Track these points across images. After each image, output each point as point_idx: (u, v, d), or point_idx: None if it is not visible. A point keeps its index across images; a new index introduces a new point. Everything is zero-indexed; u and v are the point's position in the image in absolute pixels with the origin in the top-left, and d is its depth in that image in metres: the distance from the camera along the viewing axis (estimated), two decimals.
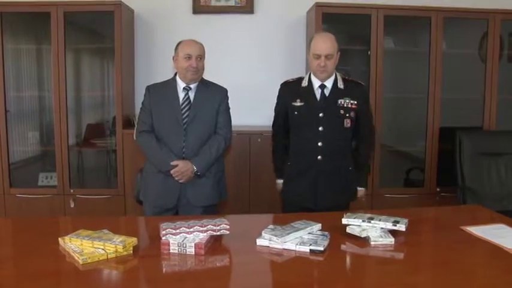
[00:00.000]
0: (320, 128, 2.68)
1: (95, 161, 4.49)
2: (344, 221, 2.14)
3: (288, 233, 2.00)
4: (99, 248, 1.88)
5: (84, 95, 4.31)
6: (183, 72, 2.80)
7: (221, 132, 2.85)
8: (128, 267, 1.82)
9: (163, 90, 2.87)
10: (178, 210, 2.83)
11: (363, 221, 2.11)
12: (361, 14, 3.87)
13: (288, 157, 2.84)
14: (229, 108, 2.93)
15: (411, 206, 3.81)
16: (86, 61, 4.40)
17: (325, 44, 2.63)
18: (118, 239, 1.92)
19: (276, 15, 4.22)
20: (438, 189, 4.02)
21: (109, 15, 3.78)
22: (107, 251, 1.86)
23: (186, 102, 2.81)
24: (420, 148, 4.10)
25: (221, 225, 2.03)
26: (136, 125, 2.94)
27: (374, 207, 3.87)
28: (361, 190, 2.85)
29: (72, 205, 3.92)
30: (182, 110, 2.79)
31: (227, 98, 2.92)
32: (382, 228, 2.09)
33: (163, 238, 1.96)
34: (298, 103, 2.72)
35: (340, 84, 2.73)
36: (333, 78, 2.73)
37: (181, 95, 2.83)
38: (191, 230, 1.99)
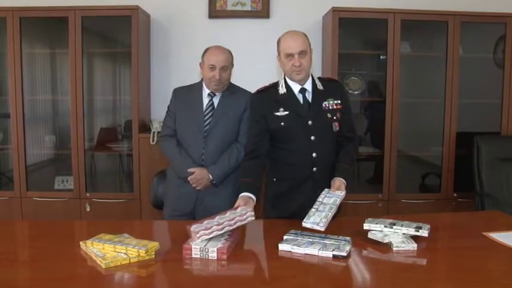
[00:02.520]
0: (312, 138, 2.45)
1: (110, 165, 4.52)
2: (365, 226, 2.13)
3: (312, 239, 2.02)
4: (121, 253, 1.89)
5: (97, 99, 4.33)
6: (207, 81, 2.76)
7: (242, 141, 2.78)
8: (151, 271, 1.83)
9: (189, 94, 2.84)
10: (195, 216, 2.80)
11: (385, 226, 2.10)
12: (377, 19, 3.86)
13: (270, 174, 2.59)
14: None
15: (428, 211, 3.79)
16: (100, 65, 4.44)
17: (296, 41, 2.41)
18: (140, 243, 1.93)
19: (292, 20, 4.22)
20: (455, 195, 3.99)
21: (126, 19, 3.81)
22: (130, 255, 1.87)
23: (210, 109, 2.78)
24: (437, 153, 4.07)
25: (246, 214, 2.10)
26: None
27: (390, 213, 3.86)
28: (342, 184, 2.40)
29: (88, 209, 3.94)
30: (205, 116, 2.77)
31: None
32: (404, 233, 2.08)
33: (197, 240, 1.96)
34: (281, 112, 2.46)
35: (319, 85, 2.52)
36: (310, 80, 2.52)
37: (206, 100, 2.80)
38: (221, 226, 2.02)
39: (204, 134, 2.75)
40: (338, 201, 2.24)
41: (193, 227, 2.00)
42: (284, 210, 2.48)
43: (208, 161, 2.75)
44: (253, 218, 2.13)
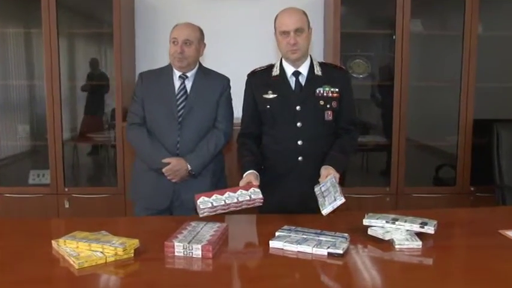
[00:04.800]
0: (298, 124, 2.53)
1: (92, 157, 4.54)
2: (365, 221, 2.15)
3: (307, 235, 2.04)
4: (97, 251, 1.90)
5: (79, 85, 4.34)
6: (171, 59, 2.79)
7: (221, 127, 2.83)
8: (129, 271, 1.84)
9: (158, 78, 2.85)
10: (172, 211, 2.83)
11: (387, 222, 2.11)
12: None
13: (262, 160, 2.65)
14: (231, 100, 2.91)
15: (441, 207, 3.81)
16: (81, 47, 4.44)
17: (292, 17, 2.47)
18: (118, 241, 1.94)
19: None
20: (472, 189, 4.01)
21: None
22: (106, 254, 1.88)
23: (182, 93, 2.80)
24: (451, 143, 4.08)
25: (255, 200, 2.23)
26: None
27: (399, 208, 3.87)
28: (329, 169, 2.42)
29: (66, 205, 3.96)
30: (177, 101, 2.78)
31: (229, 87, 2.89)
32: (408, 230, 2.09)
33: (200, 216, 2.14)
34: (269, 95, 2.56)
35: (318, 70, 2.57)
36: (308, 63, 2.58)
37: (177, 84, 2.81)
38: (227, 207, 2.17)
39: (178, 120, 2.76)
40: (335, 181, 2.29)
41: (200, 200, 2.16)
42: (270, 201, 2.50)
43: (184, 150, 2.76)
44: (261, 204, 2.25)
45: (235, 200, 2.23)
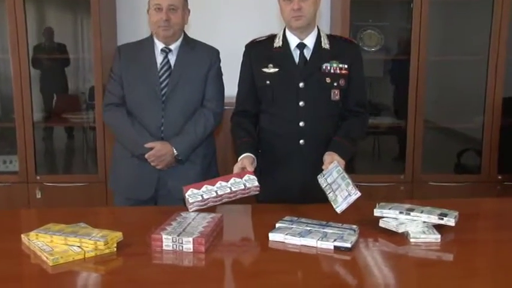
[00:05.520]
0: (301, 103, 2.53)
1: (68, 141, 4.54)
2: (376, 212, 2.17)
3: (311, 227, 2.07)
4: (74, 246, 1.90)
5: (52, 59, 4.34)
6: (154, 27, 2.78)
7: (210, 106, 2.83)
8: (111, 268, 1.85)
9: (137, 52, 2.85)
10: (157, 201, 2.85)
11: (401, 212, 2.13)
12: None
13: (258, 142, 2.66)
14: (221, 75, 2.91)
15: (464, 197, 3.83)
16: (54, 15, 4.42)
17: None
18: (98, 234, 1.95)
19: None
20: (500, 177, 4.04)
21: None
22: (84, 248, 1.89)
23: (165, 68, 2.80)
24: (476, 125, 4.10)
25: (251, 188, 2.25)
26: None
27: (414, 198, 3.90)
28: (333, 155, 2.44)
29: (38, 195, 3.98)
30: (160, 77, 2.78)
31: (219, 61, 2.89)
32: (425, 222, 2.11)
33: (190, 210, 2.16)
34: (270, 69, 2.56)
35: (325, 43, 2.58)
36: (314, 34, 2.58)
37: (159, 58, 2.81)
38: (219, 198, 2.20)
39: (161, 99, 2.77)
40: (342, 170, 2.30)
41: (189, 193, 2.16)
42: (270, 189, 2.54)
43: (169, 133, 2.77)
44: (258, 193, 2.28)
45: (228, 190, 2.25)
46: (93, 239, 1.90)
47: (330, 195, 2.24)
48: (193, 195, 2.23)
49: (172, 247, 1.94)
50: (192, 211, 2.22)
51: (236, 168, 2.41)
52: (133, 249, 1.96)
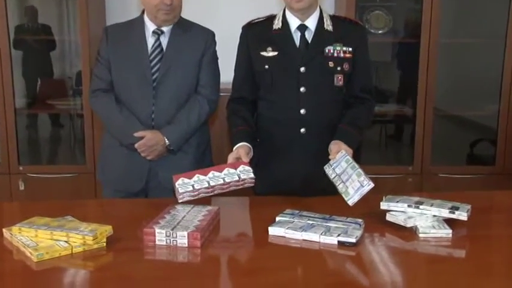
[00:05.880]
0: (302, 89, 2.53)
1: (54, 129, 4.54)
2: (383, 205, 2.18)
3: (313, 220, 2.07)
4: (60, 240, 1.90)
5: (35, 41, 4.32)
6: (153, 11, 2.71)
7: (204, 92, 2.82)
8: (100, 264, 1.86)
9: (127, 33, 2.83)
10: (148, 193, 2.86)
11: (409, 206, 2.14)
12: None
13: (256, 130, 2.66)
14: (216, 59, 2.90)
15: (477, 189, 3.81)
16: None
17: None
18: (87, 227, 1.95)
19: None
20: None
21: None
22: (72, 243, 1.89)
23: (157, 51, 2.78)
24: (491, 113, 4.10)
25: (245, 181, 2.24)
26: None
27: (424, 191, 3.91)
28: (339, 144, 2.44)
29: (21, 187, 3.98)
30: (151, 61, 2.77)
31: (214, 44, 2.88)
32: (435, 216, 2.12)
33: (179, 201, 2.15)
34: (268, 53, 2.55)
35: (328, 25, 2.56)
36: (316, 15, 2.56)
37: (151, 40, 2.79)
38: (211, 190, 2.19)
39: (152, 85, 2.76)
40: (351, 159, 2.30)
41: (179, 183, 2.16)
42: (268, 180, 2.55)
43: (161, 121, 2.77)
44: (253, 185, 2.27)
45: (221, 182, 2.25)
46: (81, 234, 1.90)
47: (340, 187, 2.24)
48: (183, 184, 2.23)
49: (166, 242, 1.95)
50: (182, 202, 2.22)
51: (231, 158, 2.41)
52: (124, 244, 1.96)
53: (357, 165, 2.25)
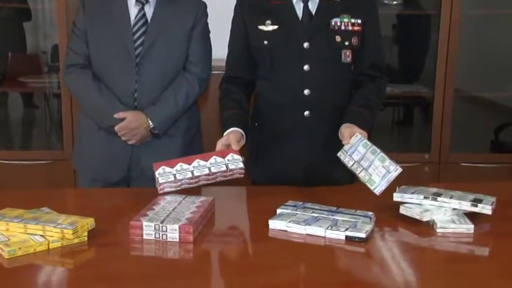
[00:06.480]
0: (305, 67, 2.52)
1: (27, 110, 4.54)
2: (396, 197, 2.19)
3: (318, 213, 2.08)
4: (35, 235, 1.90)
5: (5, 9, 4.31)
6: None
7: (194, 70, 2.82)
8: (81, 261, 1.87)
9: (106, 2, 2.80)
10: (130, 183, 2.86)
11: (426, 197, 2.15)
12: None
13: (252, 116, 2.69)
14: (208, 33, 2.89)
15: (502, 180, 3.80)
16: None
17: None
18: (66, 220, 1.94)
19: None
20: None
21: None
22: (49, 238, 1.89)
23: (141, 23, 2.76)
24: None
25: (234, 171, 2.23)
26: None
27: (442, 181, 3.92)
28: (352, 127, 2.42)
29: None
30: (134, 34, 2.75)
31: (205, 16, 2.87)
32: (455, 209, 2.12)
33: (159, 192, 2.14)
34: (267, 26, 2.55)
35: None
36: None
37: (134, 11, 2.77)
38: (195, 180, 2.18)
39: (135, 60, 2.75)
40: (368, 142, 2.30)
41: (160, 172, 2.15)
42: (269, 168, 2.58)
43: (144, 101, 2.76)
44: (242, 176, 2.26)
45: (207, 172, 2.25)
46: (59, 227, 1.90)
47: (362, 175, 2.23)
48: (164, 174, 2.23)
49: (155, 236, 1.96)
50: (162, 193, 2.23)
51: (219, 145, 2.40)
52: (108, 239, 1.97)
53: (378, 149, 2.25)
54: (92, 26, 2.78)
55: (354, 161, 2.29)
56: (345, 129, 2.41)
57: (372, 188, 2.18)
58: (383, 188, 2.16)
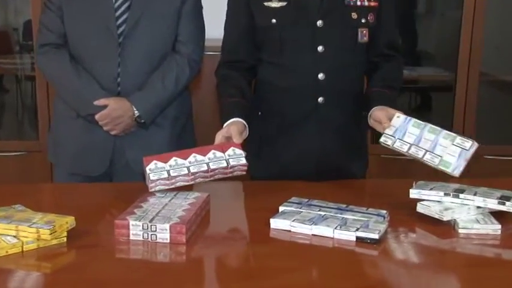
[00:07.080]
0: (319, 48, 2.53)
1: None
2: (413, 193, 2.19)
3: (325, 211, 2.10)
4: (7, 235, 1.91)
5: None
6: None
7: (184, 51, 2.82)
8: (60, 265, 1.87)
9: None
10: (113, 178, 2.88)
11: (446, 194, 2.16)
12: None
13: (254, 104, 2.68)
14: (200, 9, 2.90)
15: None
16: None
17: None
18: (42, 219, 1.95)
19: None
20: None
21: None
22: (23, 239, 1.89)
23: None
24: None
25: (235, 168, 2.22)
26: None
27: (466, 176, 3.91)
28: (386, 109, 2.45)
29: None
30: (116, 10, 2.74)
31: None
32: (479, 207, 2.13)
33: (150, 190, 2.13)
34: (275, 3, 2.53)
35: None
36: None
37: None
38: (192, 178, 2.17)
39: (117, 40, 2.74)
40: (417, 120, 2.33)
41: (151, 167, 2.15)
42: (274, 162, 2.59)
43: (129, 87, 2.77)
44: (244, 173, 2.27)
45: (205, 168, 2.23)
46: (34, 226, 1.90)
47: (428, 158, 2.24)
48: (156, 170, 2.21)
49: (143, 236, 1.96)
50: (153, 191, 2.22)
51: (219, 137, 2.38)
52: (90, 240, 1.98)
53: (437, 127, 2.26)
54: (68, 0, 2.76)
55: (408, 145, 2.29)
56: (380, 112, 2.42)
57: (449, 170, 2.20)
58: (462, 168, 2.18)
